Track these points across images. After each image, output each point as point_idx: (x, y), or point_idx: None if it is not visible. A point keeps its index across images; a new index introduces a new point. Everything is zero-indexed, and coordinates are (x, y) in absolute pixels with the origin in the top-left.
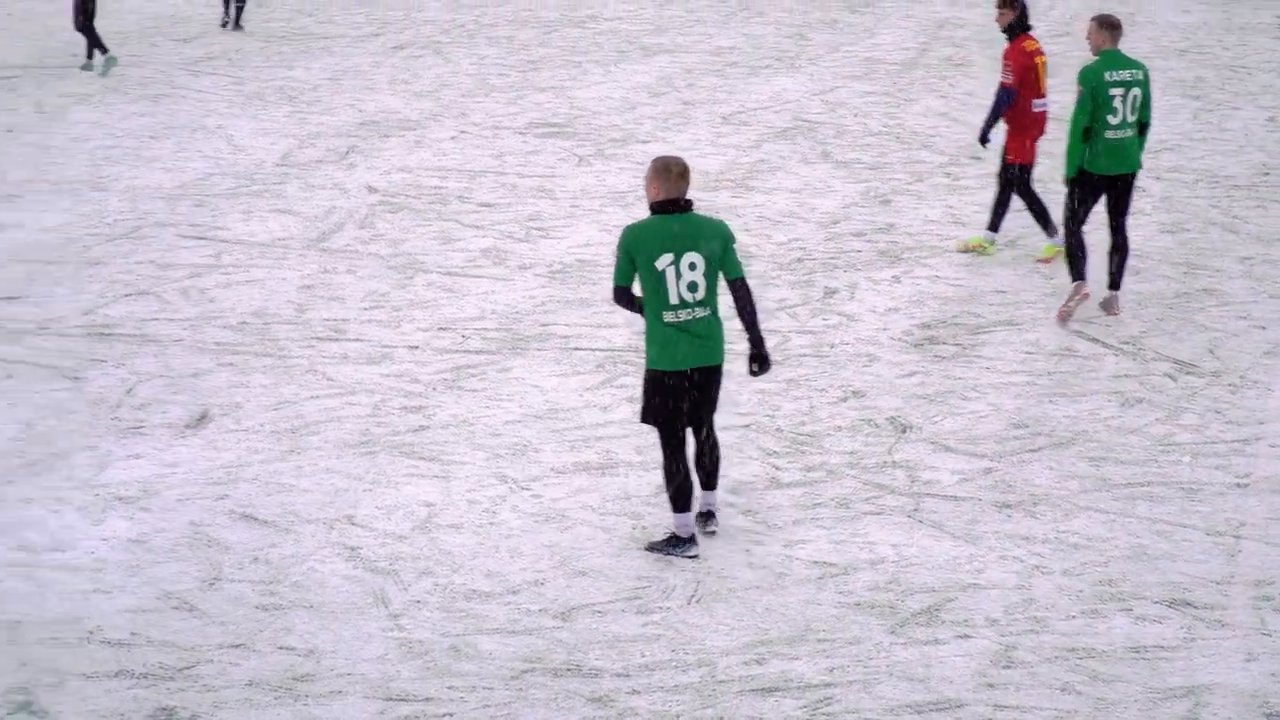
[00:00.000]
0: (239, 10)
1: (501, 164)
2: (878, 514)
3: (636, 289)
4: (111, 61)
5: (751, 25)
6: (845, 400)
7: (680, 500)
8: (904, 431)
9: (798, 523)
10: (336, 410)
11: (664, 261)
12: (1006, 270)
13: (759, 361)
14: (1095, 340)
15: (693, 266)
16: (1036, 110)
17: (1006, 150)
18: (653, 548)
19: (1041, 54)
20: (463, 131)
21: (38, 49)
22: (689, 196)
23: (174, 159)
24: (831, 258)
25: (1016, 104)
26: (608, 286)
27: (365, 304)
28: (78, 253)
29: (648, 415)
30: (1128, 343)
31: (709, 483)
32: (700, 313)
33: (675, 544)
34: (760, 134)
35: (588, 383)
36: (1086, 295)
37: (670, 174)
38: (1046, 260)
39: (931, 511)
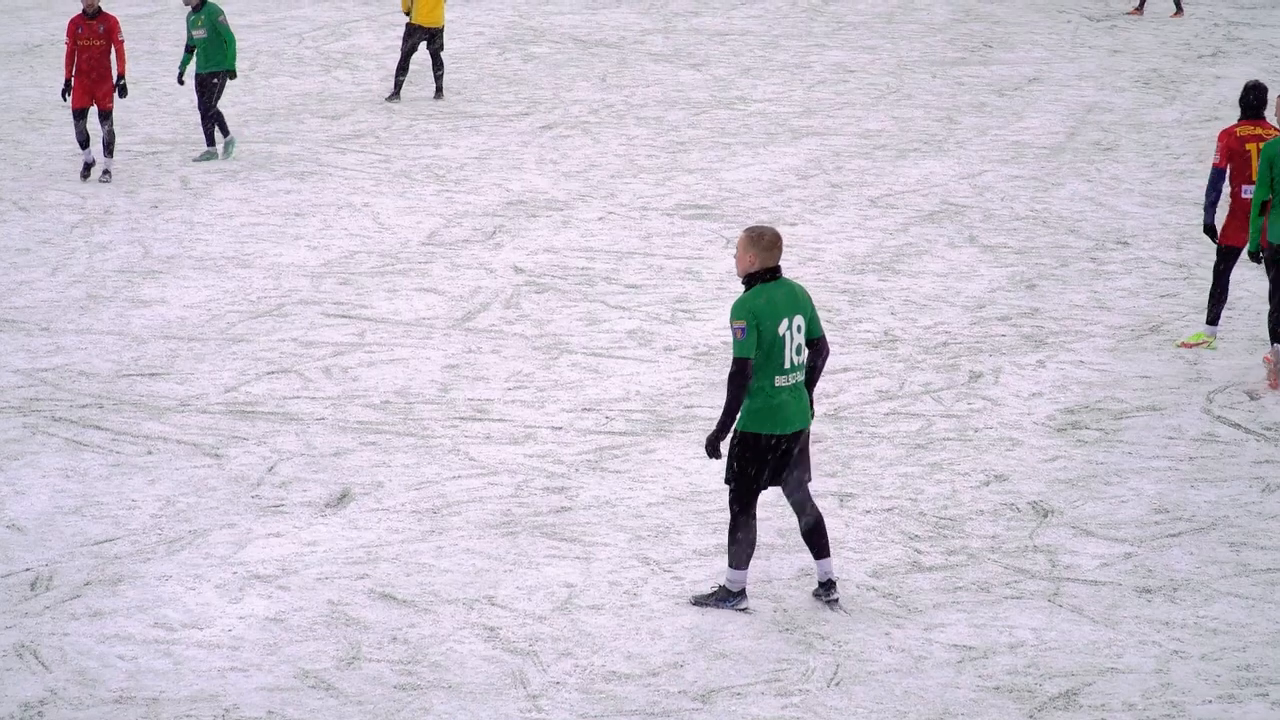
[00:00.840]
0: (438, 78)
1: (648, 245)
2: (1018, 598)
3: None
4: (231, 144)
5: (900, 108)
6: (988, 484)
7: (744, 558)
8: (1046, 516)
9: (938, 606)
10: (478, 490)
11: (782, 327)
12: (1150, 356)
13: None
14: (1237, 426)
15: (799, 329)
16: (1245, 196)
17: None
18: (700, 601)
19: (1257, 140)
20: (610, 212)
21: (185, 126)
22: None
23: (319, 237)
24: (977, 342)
25: (1230, 188)
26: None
27: (509, 384)
28: (221, 330)
29: (740, 478)
30: (1270, 428)
31: (824, 550)
32: (799, 376)
33: (726, 598)
34: (907, 217)
35: None
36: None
37: (773, 244)
38: (1190, 345)
39: (1072, 596)
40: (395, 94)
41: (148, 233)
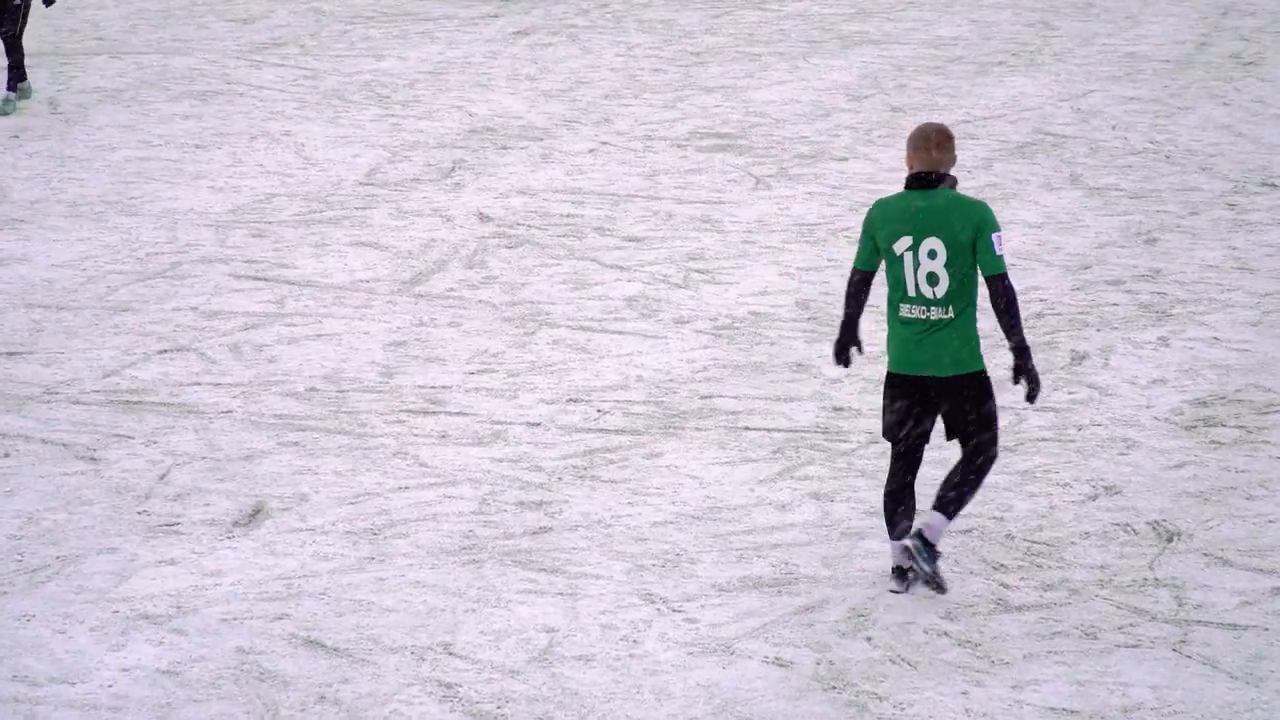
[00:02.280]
0: None
1: (654, 186)
2: (1134, 646)
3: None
4: (10, 102)
5: (982, 9)
6: (1095, 499)
7: (890, 524)
8: (1170, 540)
9: (1030, 657)
10: (432, 506)
11: (902, 245)
12: None
13: (1023, 375)
14: None
15: (933, 255)
16: None
17: None
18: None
19: None
20: (604, 143)
21: (56, 32)
22: (952, 173)
23: (226, 176)
24: (1081, 313)
25: None
26: (791, 347)
27: (472, 367)
28: (99, 296)
29: (883, 426)
30: None
31: (939, 503)
32: (939, 313)
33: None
34: (991, 150)
35: (761, 473)
36: None
37: (926, 143)
38: None
39: (1204, 644)
40: None
41: (5, 170)
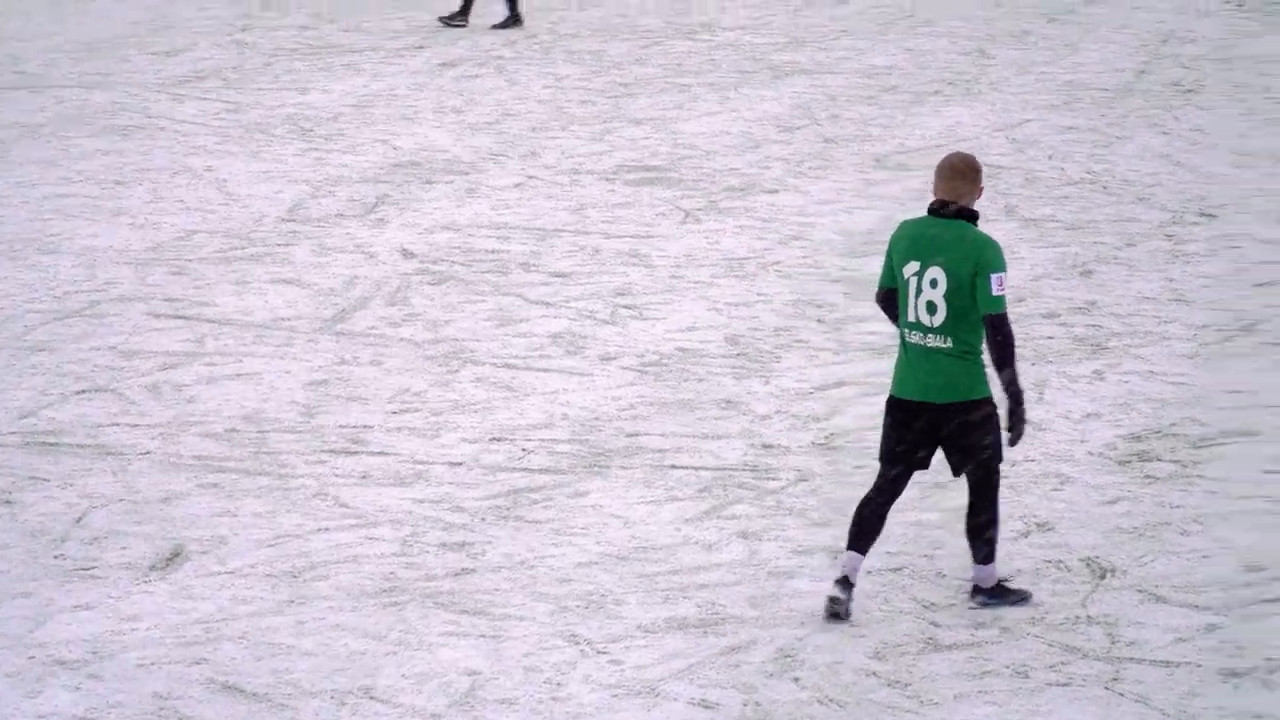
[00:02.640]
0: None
1: (581, 220)
2: (1065, 685)
3: None
4: None
5: (917, 38)
6: (1027, 535)
7: (850, 536)
8: (1103, 577)
9: (960, 697)
10: (353, 547)
11: (910, 269)
12: (1243, 363)
13: (1010, 418)
14: None
15: (934, 284)
16: None
17: None
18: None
19: None
20: (530, 177)
21: None
22: (974, 207)
23: (147, 212)
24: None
25: None
26: (719, 384)
27: (394, 406)
28: (16, 335)
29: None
30: None
31: (975, 555)
32: (936, 341)
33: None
34: (926, 181)
35: (687, 512)
36: None
37: (948, 171)
38: None
39: (1136, 681)
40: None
41: None
